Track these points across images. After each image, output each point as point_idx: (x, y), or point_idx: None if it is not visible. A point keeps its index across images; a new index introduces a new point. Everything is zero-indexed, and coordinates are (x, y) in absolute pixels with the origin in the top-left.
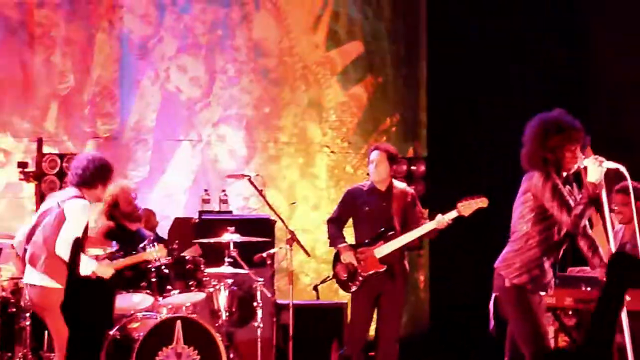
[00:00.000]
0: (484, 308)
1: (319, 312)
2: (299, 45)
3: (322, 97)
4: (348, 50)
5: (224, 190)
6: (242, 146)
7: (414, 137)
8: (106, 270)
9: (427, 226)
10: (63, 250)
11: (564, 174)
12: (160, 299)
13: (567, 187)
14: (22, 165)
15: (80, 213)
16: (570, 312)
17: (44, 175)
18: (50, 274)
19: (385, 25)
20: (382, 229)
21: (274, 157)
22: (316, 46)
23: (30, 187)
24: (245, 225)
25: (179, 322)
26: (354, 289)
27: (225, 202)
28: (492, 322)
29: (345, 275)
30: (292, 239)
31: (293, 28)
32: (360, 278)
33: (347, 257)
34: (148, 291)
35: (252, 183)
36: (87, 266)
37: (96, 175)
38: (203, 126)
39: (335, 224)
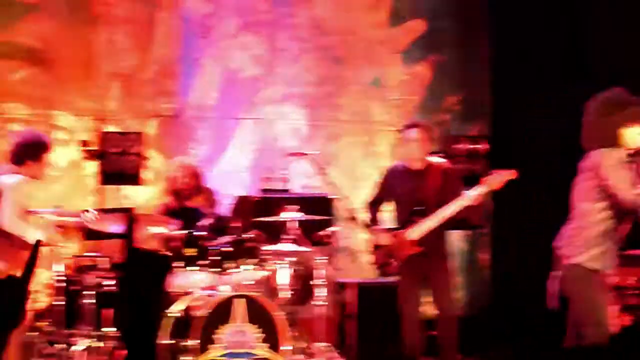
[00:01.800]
0: (546, 287)
1: (380, 290)
2: (361, 23)
3: (384, 76)
4: (411, 28)
5: (285, 169)
6: (303, 124)
7: (477, 115)
8: (53, 236)
9: (458, 203)
10: (9, 225)
11: (626, 152)
12: (221, 277)
13: (630, 165)
14: (83, 143)
15: (14, 187)
16: (633, 291)
17: (105, 154)
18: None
19: (448, 3)
20: (415, 209)
21: (335, 136)
22: (378, 24)
23: (92, 166)
24: (306, 203)
25: (240, 300)
26: (391, 272)
27: (286, 180)
28: (552, 301)
29: (383, 259)
30: (353, 218)
31: (355, 6)
32: (397, 261)
33: (383, 240)
34: (210, 269)
35: (313, 161)
36: (32, 232)
37: (23, 152)
38: (265, 104)
39: (373, 206)
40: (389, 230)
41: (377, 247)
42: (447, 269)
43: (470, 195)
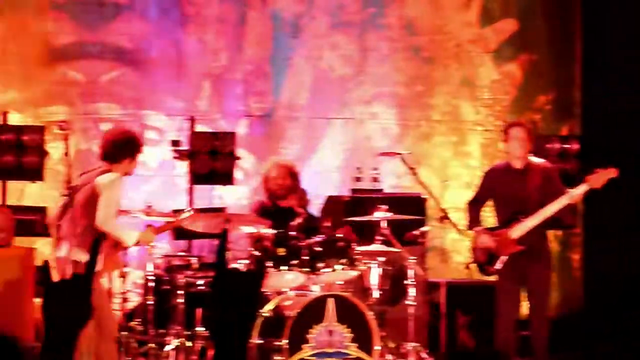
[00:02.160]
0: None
1: (471, 291)
2: (451, 22)
3: (475, 75)
4: (502, 28)
5: (376, 168)
6: (394, 124)
7: (568, 115)
8: (148, 237)
9: (560, 202)
10: (105, 224)
11: None
12: (312, 276)
13: None
14: (175, 143)
15: (111, 186)
16: None
17: (196, 154)
18: (85, 249)
19: (539, 2)
20: (518, 209)
21: (426, 135)
22: (469, 24)
23: (182, 166)
24: (397, 203)
25: (331, 300)
26: (492, 272)
27: (377, 180)
28: None
29: (484, 258)
30: (444, 217)
31: (445, 5)
32: (498, 261)
33: (484, 240)
34: (300, 269)
35: (404, 161)
36: (130, 236)
37: (120, 150)
38: (355, 104)
39: (474, 207)
40: (490, 229)
41: (477, 247)
42: (547, 269)
43: (574, 194)
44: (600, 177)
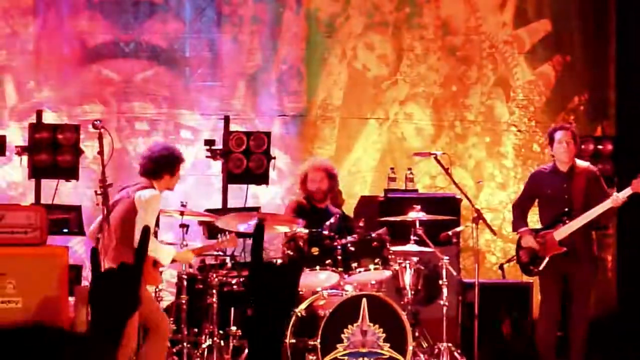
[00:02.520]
0: None
1: (505, 292)
2: (486, 23)
3: (509, 76)
4: (536, 29)
5: (410, 169)
6: (428, 124)
7: (603, 116)
8: (186, 256)
9: (604, 205)
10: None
11: None
12: (345, 276)
13: None
14: (209, 142)
15: (149, 203)
16: None
17: (230, 153)
18: (117, 263)
19: (573, 3)
20: (563, 211)
21: (460, 136)
22: (503, 24)
23: (217, 165)
24: (431, 203)
25: (364, 300)
26: (535, 272)
27: (411, 180)
28: None
29: (527, 259)
30: (479, 218)
31: (480, 6)
32: (541, 261)
33: (528, 241)
34: (334, 269)
35: (438, 161)
36: (167, 255)
37: (160, 165)
38: (390, 104)
39: (519, 208)
40: (535, 230)
41: (521, 247)
42: (590, 271)
43: (619, 198)
44: None
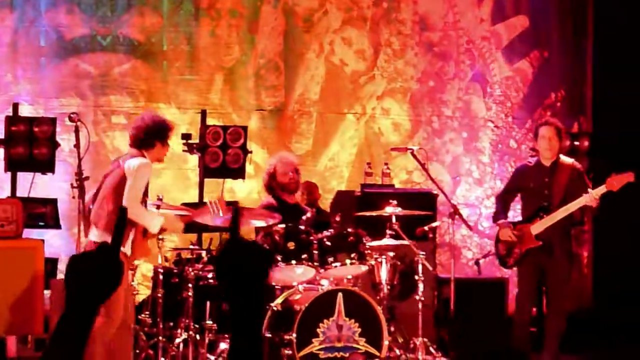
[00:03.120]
0: None
1: (481, 287)
2: (464, 19)
3: (487, 72)
4: (513, 25)
5: (387, 164)
6: (405, 119)
7: (579, 112)
8: (175, 224)
9: (579, 202)
10: (130, 210)
11: None
12: (321, 271)
13: None
14: (186, 136)
15: (138, 171)
16: None
17: (207, 147)
18: (109, 232)
19: None
20: (541, 205)
21: (437, 131)
22: (481, 20)
23: (193, 159)
24: (407, 198)
25: (340, 295)
26: (510, 264)
27: (388, 175)
28: None
29: (504, 251)
30: (455, 213)
31: (458, 2)
32: (516, 255)
33: (505, 234)
34: (310, 263)
35: (415, 157)
36: (156, 222)
37: (151, 134)
38: (367, 99)
39: (501, 200)
40: (513, 224)
41: (499, 240)
42: (565, 266)
43: (592, 195)
44: (619, 180)
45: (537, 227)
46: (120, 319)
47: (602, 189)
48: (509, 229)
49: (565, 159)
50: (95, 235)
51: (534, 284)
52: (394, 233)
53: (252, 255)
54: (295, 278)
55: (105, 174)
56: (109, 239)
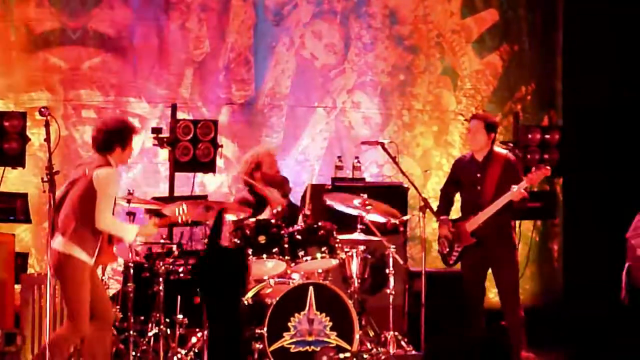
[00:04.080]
0: (619, 278)
1: (452, 280)
2: (434, 12)
3: (457, 65)
4: (483, 18)
5: (357, 157)
6: (376, 113)
7: (550, 105)
8: (148, 230)
9: (505, 197)
10: (105, 224)
11: None
12: (292, 265)
13: None
14: (156, 130)
15: (107, 183)
16: None
17: (177, 141)
18: (79, 244)
19: None
20: (476, 199)
21: (408, 125)
22: (451, 13)
23: (164, 153)
24: (378, 192)
25: (311, 288)
26: (452, 262)
27: (358, 169)
28: (624, 292)
29: (446, 249)
30: (425, 207)
31: None
32: (455, 252)
33: (442, 232)
34: (281, 257)
35: (385, 150)
36: (130, 232)
37: (112, 138)
38: (337, 93)
39: (443, 194)
40: (452, 221)
41: (439, 237)
42: (509, 259)
43: (514, 191)
44: (536, 176)
45: (471, 225)
46: (109, 321)
47: (523, 184)
48: (447, 226)
49: (499, 151)
50: (60, 244)
51: (479, 279)
52: (364, 227)
53: (232, 261)
54: (266, 272)
55: (71, 180)
56: (73, 250)
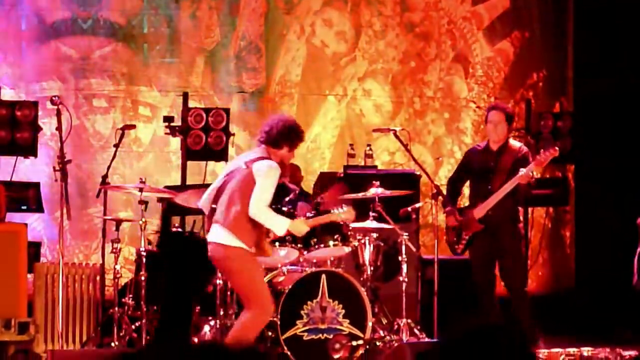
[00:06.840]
0: (631, 264)
1: (464, 268)
2: None
3: (468, 52)
4: (494, 5)
5: (369, 145)
6: (387, 101)
7: (561, 92)
8: (300, 227)
9: (512, 181)
10: (258, 212)
11: None
12: (305, 252)
13: None
14: (168, 119)
15: (268, 174)
16: None
17: (189, 130)
18: (237, 233)
19: None
20: (486, 189)
21: (419, 112)
22: (462, 1)
23: (175, 142)
24: (390, 179)
25: (324, 276)
26: (460, 250)
27: (370, 156)
28: (636, 277)
29: (453, 237)
30: (438, 194)
31: None
32: (463, 240)
33: (450, 221)
34: (293, 245)
35: (397, 137)
36: (282, 225)
37: (283, 136)
38: (348, 81)
39: (451, 184)
40: (459, 210)
41: (446, 227)
42: (513, 247)
43: (522, 173)
44: (544, 157)
45: (479, 211)
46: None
47: (531, 167)
48: (453, 215)
49: (514, 143)
50: (221, 235)
51: (487, 267)
52: (377, 214)
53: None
54: (278, 260)
55: (228, 173)
56: (231, 241)
